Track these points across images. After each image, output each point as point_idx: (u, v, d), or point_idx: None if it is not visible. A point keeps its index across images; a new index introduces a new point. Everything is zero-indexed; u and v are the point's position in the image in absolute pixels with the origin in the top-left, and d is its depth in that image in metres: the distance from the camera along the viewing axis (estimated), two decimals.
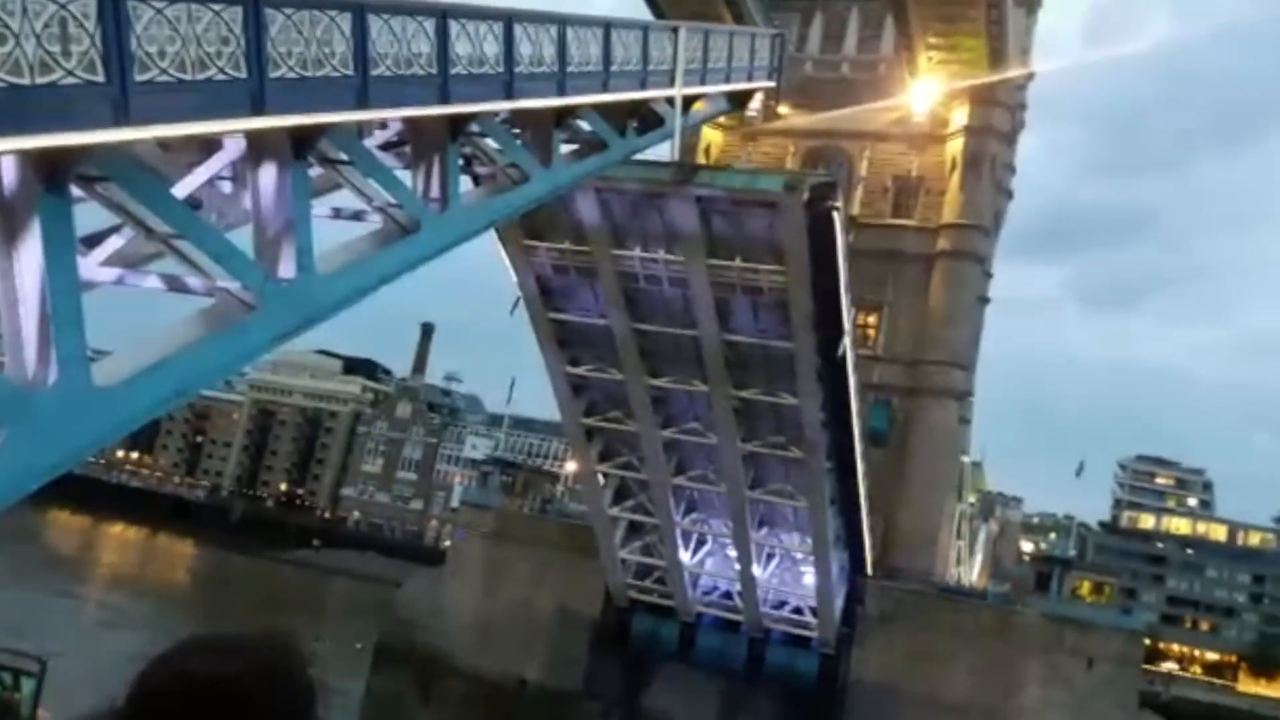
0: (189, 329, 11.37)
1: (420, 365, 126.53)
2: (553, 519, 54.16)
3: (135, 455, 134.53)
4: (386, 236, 13.84)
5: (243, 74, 10.11)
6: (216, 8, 9.70)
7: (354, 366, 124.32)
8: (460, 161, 15.41)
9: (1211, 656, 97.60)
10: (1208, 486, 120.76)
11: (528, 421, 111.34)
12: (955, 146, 50.37)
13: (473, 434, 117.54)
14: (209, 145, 12.66)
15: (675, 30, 18.97)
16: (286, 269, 12.25)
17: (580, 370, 36.28)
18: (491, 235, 33.35)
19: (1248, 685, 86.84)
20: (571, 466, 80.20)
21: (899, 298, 49.10)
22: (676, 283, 31.34)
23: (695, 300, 31.35)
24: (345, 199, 15.26)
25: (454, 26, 12.97)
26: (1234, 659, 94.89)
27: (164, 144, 13.08)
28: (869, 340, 47.59)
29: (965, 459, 57.76)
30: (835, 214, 28.51)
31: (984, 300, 55.10)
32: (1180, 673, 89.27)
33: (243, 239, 13.00)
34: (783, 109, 41.65)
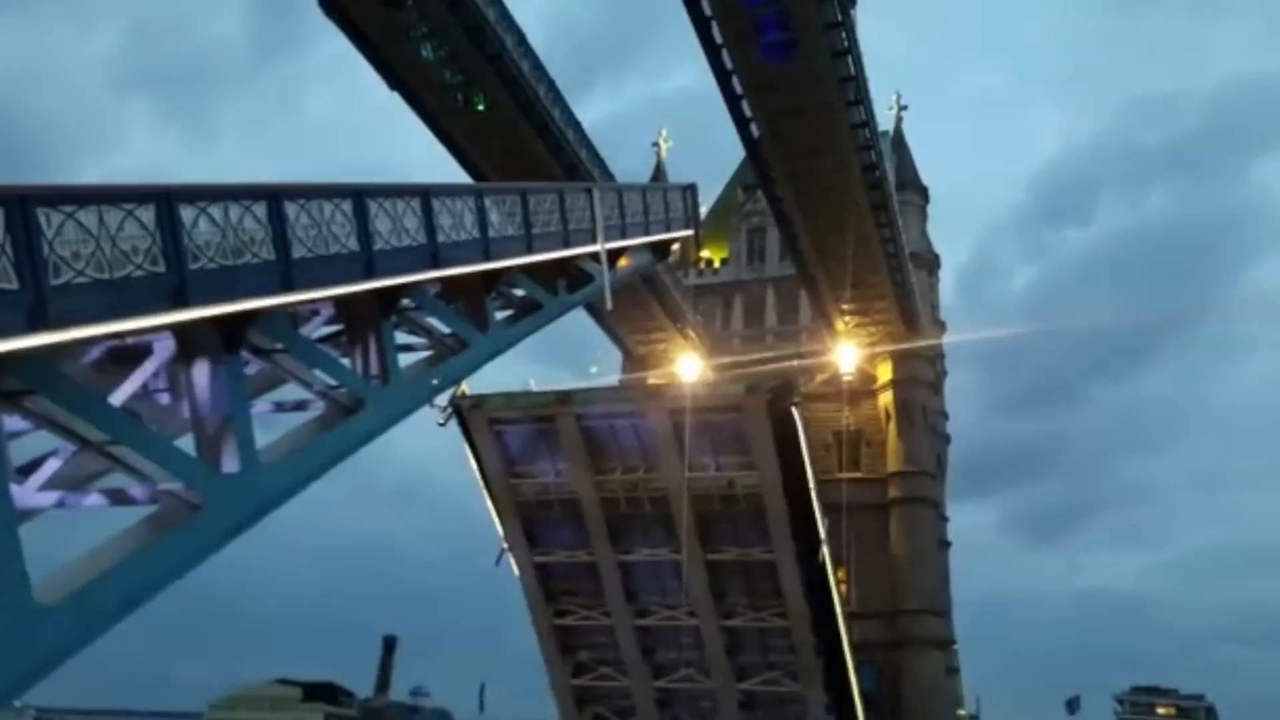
0: (134, 536, 11.00)
1: (384, 683, 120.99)
2: None
3: None
4: (330, 419, 13.70)
5: (161, 268, 10.18)
6: (129, 207, 9.84)
7: (314, 692, 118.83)
8: (397, 339, 15.52)
9: None
10: (1210, 712, 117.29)
11: None
12: (886, 399, 53.58)
13: None
14: (139, 355, 12.62)
15: (589, 190, 19.60)
16: (230, 464, 12.02)
17: (567, 621, 35.40)
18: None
19: None
20: None
21: (861, 550, 49.42)
22: (656, 502, 31.66)
23: (676, 519, 31.63)
24: (287, 393, 15.19)
25: (371, 205, 13.27)
26: None
27: (98, 365, 13.08)
28: (842, 597, 47.40)
29: (961, 712, 56.20)
30: (795, 410, 29.74)
31: (945, 544, 55.66)
32: None
33: (185, 445, 12.81)
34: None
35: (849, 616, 43.26)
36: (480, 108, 35.48)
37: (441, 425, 31.92)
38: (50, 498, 12.14)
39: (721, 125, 38.98)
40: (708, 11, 33.56)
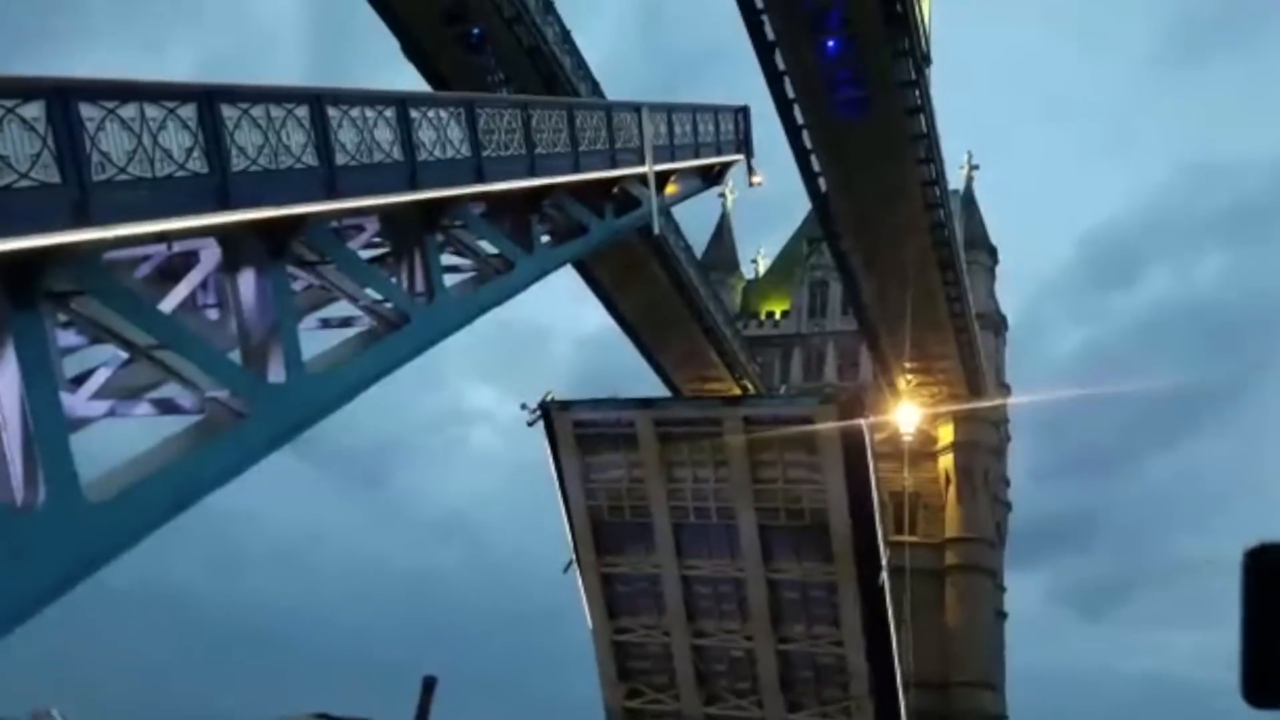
0: (182, 441, 11.05)
1: None
2: None
3: None
4: (375, 334, 13.64)
5: (205, 169, 10.08)
6: (170, 105, 9.72)
7: None
8: (443, 257, 15.37)
9: None
10: None
11: None
12: (947, 462, 51.48)
13: None
14: (187, 266, 12.61)
15: (639, 109, 19.21)
16: (276, 373, 12.01)
17: (625, 637, 35.79)
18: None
19: None
20: None
21: (915, 616, 47.61)
22: (724, 513, 32.09)
23: (741, 531, 32.08)
24: (334, 311, 15.16)
25: (415, 113, 13.06)
26: None
27: (148, 280, 13.12)
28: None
29: None
30: (865, 425, 29.90)
31: (1001, 615, 53.97)
32: None
33: (234, 360, 12.83)
34: None
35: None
36: None
37: (530, 425, 32.88)
38: (101, 406, 12.24)
39: (787, 177, 37.74)
40: (781, 67, 32.93)
